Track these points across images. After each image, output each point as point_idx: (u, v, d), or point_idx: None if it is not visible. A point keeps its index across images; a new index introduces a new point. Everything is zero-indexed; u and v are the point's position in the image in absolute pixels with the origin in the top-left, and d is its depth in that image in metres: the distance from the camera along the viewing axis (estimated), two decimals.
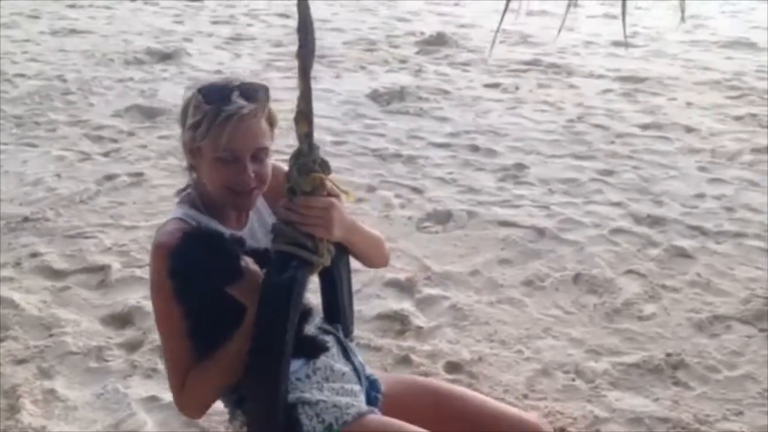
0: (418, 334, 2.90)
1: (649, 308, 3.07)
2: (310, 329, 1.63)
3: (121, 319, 2.99)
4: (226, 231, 1.55)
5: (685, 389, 2.61)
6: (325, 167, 1.47)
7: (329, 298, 1.72)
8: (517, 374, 2.67)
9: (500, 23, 1.67)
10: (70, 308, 3.06)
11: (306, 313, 1.59)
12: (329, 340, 1.66)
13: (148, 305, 3.01)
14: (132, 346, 2.82)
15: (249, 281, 1.45)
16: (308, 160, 1.45)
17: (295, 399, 1.53)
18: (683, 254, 3.48)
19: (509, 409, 1.72)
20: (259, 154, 1.53)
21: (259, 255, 1.51)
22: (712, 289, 3.21)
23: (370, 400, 1.66)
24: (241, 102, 1.48)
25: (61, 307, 3.06)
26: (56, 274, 3.30)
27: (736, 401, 2.54)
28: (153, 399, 2.51)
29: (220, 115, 1.47)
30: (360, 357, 1.75)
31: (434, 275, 3.30)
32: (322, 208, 1.44)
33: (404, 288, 3.20)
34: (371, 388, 1.70)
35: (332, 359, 1.63)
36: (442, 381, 1.95)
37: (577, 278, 3.28)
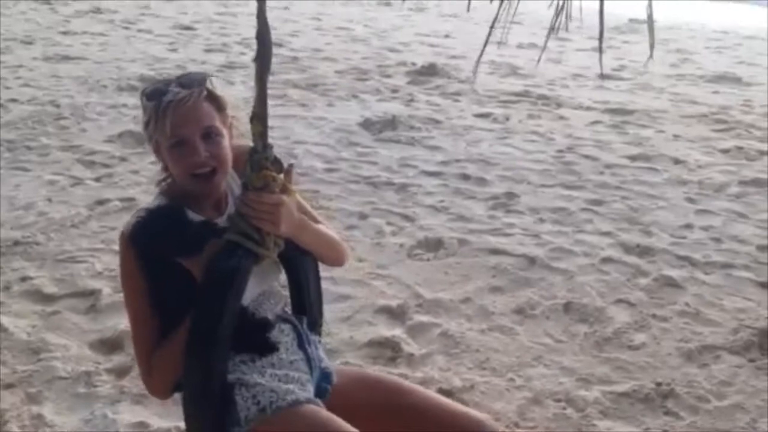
0: (410, 361, 2.89)
1: (639, 337, 3.08)
2: (269, 315, 1.69)
3: (110, 344, 2.96)
4: (199, 217, 1.62)
5: (676, 419, 2.61)
6: (277, 165, 1.56)
7: (295, 291, 1.80)
8: (508, 402, 2.67)
9: (482, 51, 1.74)
10: (60, 333, 3.02)
11: (267, 323, 1.67)
12: (285, 328, 1.72)
13: None
14: (121, 372, 2.79)
15: (207, 259, 1.53)
16: (261, 157, 1.53)
17: (234, 379, 1.58)
18: (672, 284, 3.51)
19: (458, 406, 1.75)
20: (209, 134, 1.59)
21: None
22: (701, 319, 3.23)
23: (320, 391, 1.71)
24: (177, 90, 1.56)
25: (50, 331, 3.03)
26: (46, 298, 3.27)
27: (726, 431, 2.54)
28: (142, 425, 2.48)
29: (160, 106, 1.56)
30: (319, 350, 1.79)
31: (425, 302, 3.30)
32: (271, 204, 1.52)
33: (395, 315, 3.20)
34: (323, 379, 1.74)
35: (283, 347, 1.68)
36: (395, 377, 1.96)
37: (567, 307, 3.30)
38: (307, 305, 1.80)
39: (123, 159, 5.01)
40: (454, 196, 4.55)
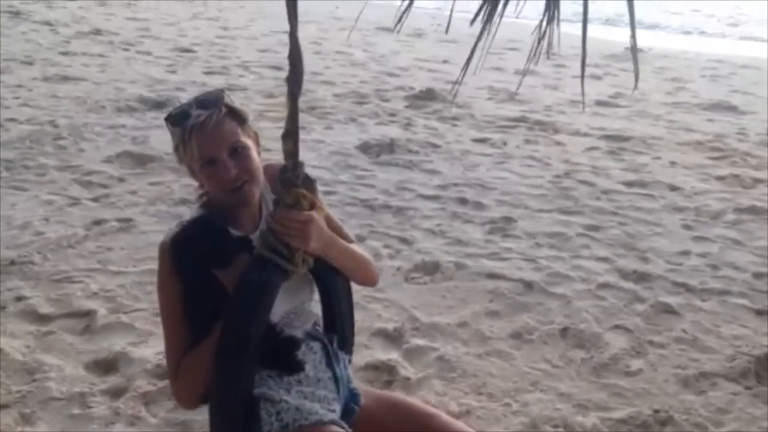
0: (406, 385, 2.88)
1: (636, 363, 3.08)
2: (298, 333, 1.72)
3: (105, 366, 2.94)
4: (236, 232, 1.68)
5: None
6: (308, 183, 1.60)
7: (326, 309, 1.83)
8: (505, 428, 2.66)
9: (464, 71, 1.79)
10: (54, 353, 3.01)
11: (294, 343, 1.69)
12: (314, 346, 1.74)
13: (133, 351, 2.99)
14: (116, 393, 2.77)
15: (237, 272, 1.59)
16: (292, 175, 1.57)
17: (259, 394, 1.61)
18: (669, 311, 3.51)
19: None
20: (236, 150, 1.65)
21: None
22: (698, 346, 3.23)
23: (347, 412, 1.73)
24: (198, 112, 1.63)
25: (45, 352, 3.01)
26: (41, 318, 3.26)
27: None
28: None
29: (185, 131, 1.63)
30: (348, 369, 1.82)
31: (422, 326, 3.30)
32: (300, 221, 1.56)
33: (392, 338, 3.19)
34: (350, 399, 1.77)
35: (311, 364, 1.70)
36: (422, 403, 1.97)
37: (564, 332, 3.29)
38: (338, 323, 1.83)
39: (121, 179, 5.02)
40: (451, 219, 4.55)
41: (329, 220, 1.74)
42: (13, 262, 3.73)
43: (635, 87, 2.02)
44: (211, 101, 1.66)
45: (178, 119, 1.65)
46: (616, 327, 3.35)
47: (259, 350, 1.57)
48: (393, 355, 3.06)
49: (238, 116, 1.69)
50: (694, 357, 3.14)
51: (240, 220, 1.73)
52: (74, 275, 3.65)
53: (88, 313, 3.29)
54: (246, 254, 1.62)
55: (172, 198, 4.68)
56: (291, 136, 1.56)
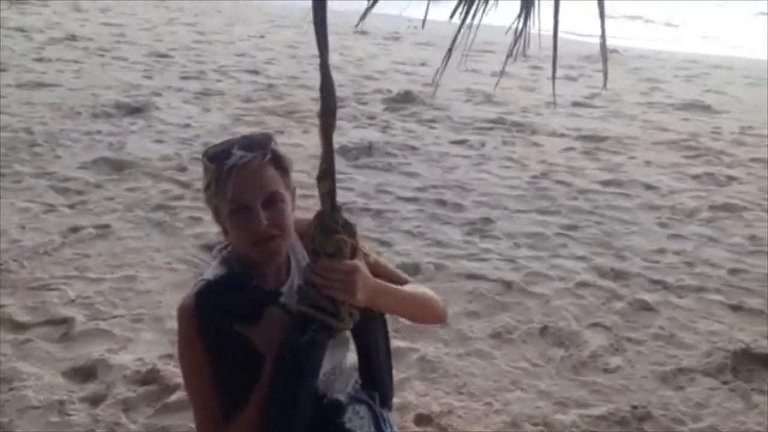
0: None
1: (614, 361, 3.11)
2: (341, 397, 1.60)
3: (84, 373, 2.92)
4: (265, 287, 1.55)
5: None
6: (348, 228, 1.45)
7: (364, 361, 1.68)
8: (486, 427, 2.67)
9: (441, 70, 1.73)
10: (32, 361, 2.98)
11: (340, 406, 1.58)
12: (360, 409, 1.63)
13: (111, 358, 2.97)
14: (95, 400, 2.75)
15: (269, 329, 1.45)
16: (330, 221, 1.43)
17: None
18: (646, 308, 3.55)
19: None
20: (272, 201, 1.51)
21: (289, 312, 1.49)
22: (675, 342, 3.27)
23: None
24: (241, 153, 1.49)
25: (22, 360, 2.98)
26: (18, 326, 3.23)
27: None
28: None
29: (222, 170, 1.48)
30: (395, 428, 1.71)
31: (402, 327, 3.30)
32: (344, 272, 1.41)
33: None
34: None
35: (361, 430, 1.59)
36: None
37: (543, 331, 3.32)
38: (377, 377, 1.69)
39: (97, 186, 4.98)
40: (430, 221, 4.57)
41: (377, 265, 1.59)
42: None
43: (604, 86, 2.02)
44: (257, 144, 1.52)
45: (216, 156, 1.50)
46: (595, 325, 3.38)
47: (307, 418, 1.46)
48: None
49: (282, 165, 1.55)
50: (672, 353, 3.18)
51: (263, 275, 1.58)
52: (51, 282, 3.61)
53: (66, 321, 3.27)
54: (277, 309, 1.49)
55: (149, 204, 4.65)
56: (327, 175, 1.41)
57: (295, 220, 1.60)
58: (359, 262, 1.45)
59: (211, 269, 1.60)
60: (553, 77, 1.84)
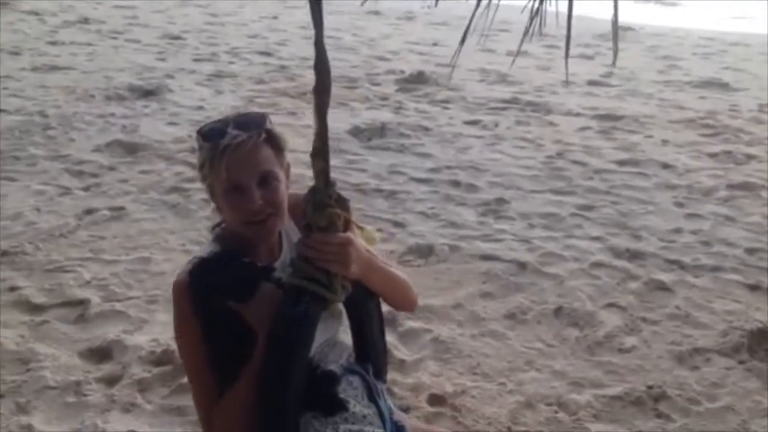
0: (401, 366, 2.88)
1: (629, 341, 3.09)
2: (335, 368, 1.61)
3: (99, 354, 2.94)
4: (258, 263, 1.55)
5: (667, 421, 2.62)
6: (341, 203, 1.47)
7: (358, 337, 1.69)
8: (500, 407, 2.67)
9: (458, 52, 1.71)
10: (48, 342, 3.00)
11: (334, 377, 1.58)
12: (354, 380, 1.63)
13: (127, 339, 2.99)
14: (111, 381, 2.77)
15: (262, 305, 1.46)
16: (324, 195, 1.45)
17: None
18: (662, 288, 3.52)
19: None
20: (267, 180, 1.52)
21: (282, 287, 1.50)
22: (691, 322, 3.24)
23: None
24: (236, 132, 1.49)
25: (38, 341, 3.00)
26: (35, 308, 3.25)
27: None
28: None
29: (217, 149, 1.48)
30: (389, 401, 1.72)
31: (417, 309, 3.29)
32: (337, 244, 1.43)
33: (387, 321, 3.13)
34: None
35: (354, 400, 1.60)
36: None
37: (558, 311, 3.30)
38: (371, 352, 1.69)
39: (111, 168, 4.99)
40: (444, 202, 4.55)
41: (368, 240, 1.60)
42: (5, 253, 3.71)
43: (613, 63, 1.98)
44: (252, 123, 1.52)
45: (211, 135, 1.50)
46: (610, 305, 3.36)
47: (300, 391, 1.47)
48: (388, 338, 3.03)
49: (277, 144, 1.55)
50: (688, 333, 3.16)
51: (256, 252, 1.59)
52: (67, 264, 3.63)
53: (82, 302, 3.29)
54: (270, 285, 1.49)
55: (163, 186, 4.66)
56: (321, 154, 1.43)
57: (289, 196, 1.61)
58: (353, 235, 1.47)
59: (206, 246, 1.62)
60: (566, 54, 1.80)
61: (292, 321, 1.42)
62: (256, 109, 6.31)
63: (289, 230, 1.64)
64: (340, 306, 1.59)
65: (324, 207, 1.44)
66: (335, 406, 1.55)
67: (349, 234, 1.46)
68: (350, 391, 1.60)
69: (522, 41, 1.72)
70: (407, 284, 1.72)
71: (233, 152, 1.47)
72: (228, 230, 1.62)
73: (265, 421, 1.46)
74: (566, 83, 7.24)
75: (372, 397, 1.64)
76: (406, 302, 1.76)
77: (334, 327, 1.65)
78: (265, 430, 1.46)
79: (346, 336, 1.71)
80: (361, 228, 1.56)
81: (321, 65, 1.40)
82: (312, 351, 1.51)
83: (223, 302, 1.48)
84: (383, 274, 1.60)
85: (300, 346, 1.43)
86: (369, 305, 1.65)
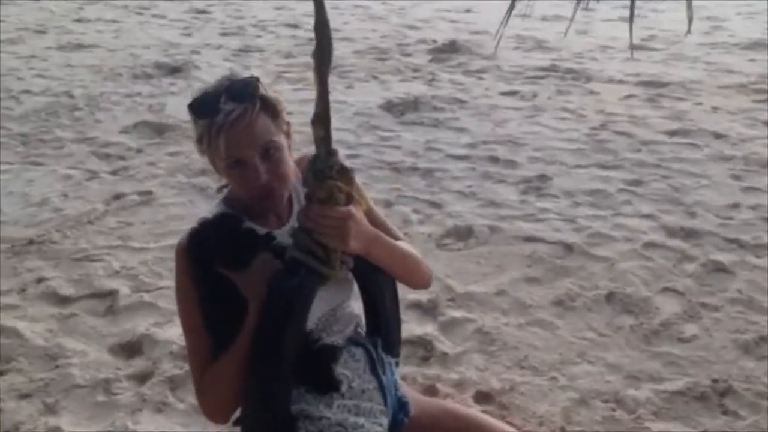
0: (444, 360, 2.72)
1: (689, 329, 2.88)
2: (337, 339, 1.55)
3: (129, 349, 2.83)
4: (262, 230, 1.51)
5: (736, 418, 2.42)
6: (343, 173, 1.38)
7: (369, 308, 1.64)
8: (552, 404, 2.49)
9: (505, 22, 1.56)
10: (77, 336, 2.90)
11: (333, 352, 1.52)
12: (357, 352, 1.57)
13: (157, 333, 2.88)
14: (142, 378, 2.66)
15: (256, 274, 1.41)
16: (325, 165, 1.37)
17: (297, 411, 1.46)
18: (722, 269, 3.29)
19: None
20: (269, 151, 1.46)
21: (281, 256, 1.44)
22: (755, 307, 3.01)
23: (396, 423, 1.57)
24: (230, 106, 1.42)
25: (67, 335, 2.91)
26: (62, 300, 3.15)
27: None
28: None
29: (212, 127, 1.42)
30: (396, 375, 1.65)
31: (457, 296, 3.12)
32: (337, 218, 1.36)
33: (426, 310, 3.02)
34: (400, 409, 1.60)
35: (354, 373, 1.53)
36: (477, 411, 1.81)
37: (610, 297, 3.09)
38: (382, 324, 1.63)
39: (139, 150, 4.87)
40: (483, 180, 4.34)
41: (371, 214, 1.53)
42: (31, 242, 3.62)
43: (688, 31, 1.78)
44: (245, 93, 1.44)
45: (204, 111, 1.44)
46: (666, 290, 3.14)
47: (294, 363, 1.42)
48: (428, 329, 2.89)
49: (272, 110, 1.48)
50: (752, 319, 2.93)
51: (265, 215, 1.55)
52: (95, 253, 3.53)
53: (111, 293, 3.19)
54: (268, 254, 1.43)
55: (191, 169, 4.52)
56: (322, 120, 1.35)
57: (300, 157, 1.57)
58: (354, 209, 1.40)
59: (212, 207, 1.58)
60: (631, 17, 1.58)
61: (285, 293, 1.38)
62: (285, 85, 6.15)
63: (300, 194, 1.56)
64: (349, 275, 1.55)
65: (324, 178, 1.36)
66: (329, 386, 1.49)
67: (350, 207, 1.39)
68: (351, 363, 1.55)
69: (576, 8, 1.52)
70: (417, 261, 1.63)
71: (230, 129, 1.41)
72: (234, 194, 1.56)
73: (253, 395, 1.42)
74: (613, 49, 6.85)
75: (375, 370, 1.58)
76: (416, 279, 1.66)
77: (338, 297, 1.58)
78: (253, 404, 1.43)
79: (357, 306, 1.66)
80: (359, 201, 1.45)
81: (321, 25, 1.32)
82: (312, 322, 1.49)
83: (217, 267, 1.44)
84: (389, 249, 1.52)
85: (292, 319, 1.39)
86: (379, 278, 1.59)
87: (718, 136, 4.96)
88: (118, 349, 2.83)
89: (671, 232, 3.64)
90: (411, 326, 2.90)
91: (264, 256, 1.43)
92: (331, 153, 1.37)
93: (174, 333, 2.86)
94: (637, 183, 4.24)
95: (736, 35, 8.13)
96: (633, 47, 7.52)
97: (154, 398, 2.54)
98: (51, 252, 3.54)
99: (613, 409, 2.47)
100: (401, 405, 1.61)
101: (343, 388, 1.50)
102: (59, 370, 2.68)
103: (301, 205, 1.49)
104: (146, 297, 3.14)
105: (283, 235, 1.50)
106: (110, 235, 3.73)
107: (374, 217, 1.57)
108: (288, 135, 1.54)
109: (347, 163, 1.40)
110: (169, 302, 3.10)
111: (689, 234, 3.61)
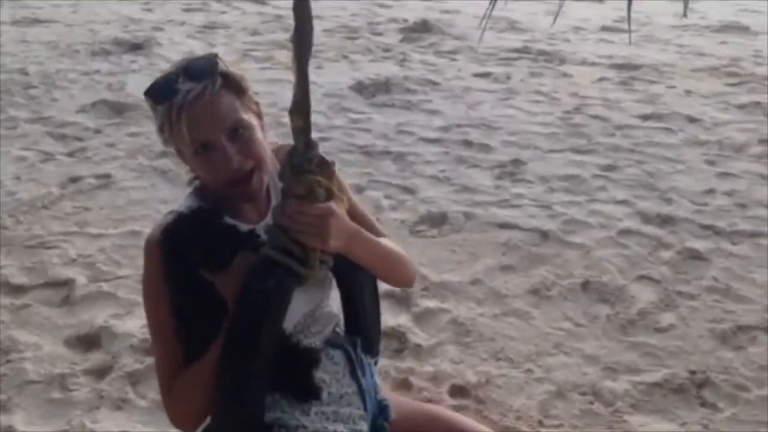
0: (418, 352, 2.63)
1: (666, 318, 2.83)
2: (315, 342, 1.46)
3: (87, 342, 2.69)
4: (243, 226, 1.41)
5: (714, 411, 2.37)
6: (323, 167, 1.28)
7: (348, 308, 1.56)
8: (529, 398, 2.42)
9: (490, 9, 1.44)
10: (30, 329, 2.76)
11: (313, 357, 1.43)
12: (335, 355, 1.49)
13: (116, 325, 2.74)
14: (99, 373, 2.53)
15: (236, 275, 1.31)
16: (303, 159, 1.25)
17: (272, 419, 1.38)
18: (697, 257, 3.25)
19: None
20: (238, 131, 1.35)
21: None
22: (731, 296, 2.97)
23: (376, 428, 1.50)
24: (188, 86, 1.31)
25: (19, 327, 2.76)
26: (15, 289, 3.00)
27: None
28: None
29: (172, 109, 1.31)
30: (375, 377, 1.57)
31: (432, 285, 3.03)
32: (316, 216, 1.26)
33: (400, 300, 2.92)
34: (380, 414, 1.53)
35: (333, 377, 1.46)
36: (459, 415, 1.72)
37: (586, 286, 3.03)
38: (361, 323, 1.55)
39: (97, 131, 4.68)
40: (456, 164, 4.24)
41: (352, 209, 1.43)
42: None
43: (684, 14, 1.68)
44: (203, 71, 1.33)
45: (161, 95, 1.32)
46: (642, 278, 3.09)
47: (271, 367, 1.33)
48: (402, 320, 2.80)
49: (236, 87, 1.37)
50: (729, 308, 2.89)
51: (242, 209, 1.44)
52: (50, 240, 3.37)
53: (66, 283, 3.04)
54: (247, 252, 1.32)
55: (152, 150, 4.34)
56: (301, 110, 1.23)
57: (278, 147, 1.48)
58: (334, 206, 1.30)
59: (184, 200, 1.46)
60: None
61: (259, 295, 1.29)
62: (251, 63, 5.96)
63: (279, 185, 1.44)
64: (330, 275, 1.48)
65: (303, 172, 1.26)
66: (309, 393, 1.41)
67: (330, 204, 1.29)
68: (330, 367, 1.48)
69: None
70: (401, 259, 1.55)
71: (190, 110, 1.30)
72: (210, 188, 1.43)
73: (223, 403, 1.32)
74: (585, 30, 6.80)
75: (354, 372, 1.51)
76: (399, 278, 1.58)
77: (318, 297, 1.50)
78: (224, 412, 1.34)
79: (335, 304, 1.59)
80: (341, 198, 1.35)
81: (301, 8, 1.19)
82: (290, 324, 1.42)
83: (196, 269, 1.34)
84: (371, 248, 1.43)
85: (267, 322, 1.30)
86: (359, 275, 1.51)
87: (692, 120, 4.93)
88: (75, 342, 2.70)
89: (646, 218, 3.59)
90: (384, 317, 2.72)
91: (246, 255, 1.32)
92: (311, 145, 1.26)
93: (134, 325, 2.73)
94: (612, 168, 4.18)
95: (707, 17, 8.14)
96: (605, 29, 7.47)
97: (113, 395, 2.42)
98: (3, 238, 3.37)
99: (591, 402, 2.41)
100: (381, 409, 1.54)
101: (323, 394, 1.42)
102: (11, 364, 2.55)
103: (279, 200, 1.39)
104: (105, 287, 3.00)
105: (264, 230, 1.40)
106: (66, 220, 3.56)
107: (355, 211, 1.48)
108: (259, 115, 1.43)
109: (327, 156, 1.30)
110: (129, 292, 2.96)
111: (665, 221, 3.56)
